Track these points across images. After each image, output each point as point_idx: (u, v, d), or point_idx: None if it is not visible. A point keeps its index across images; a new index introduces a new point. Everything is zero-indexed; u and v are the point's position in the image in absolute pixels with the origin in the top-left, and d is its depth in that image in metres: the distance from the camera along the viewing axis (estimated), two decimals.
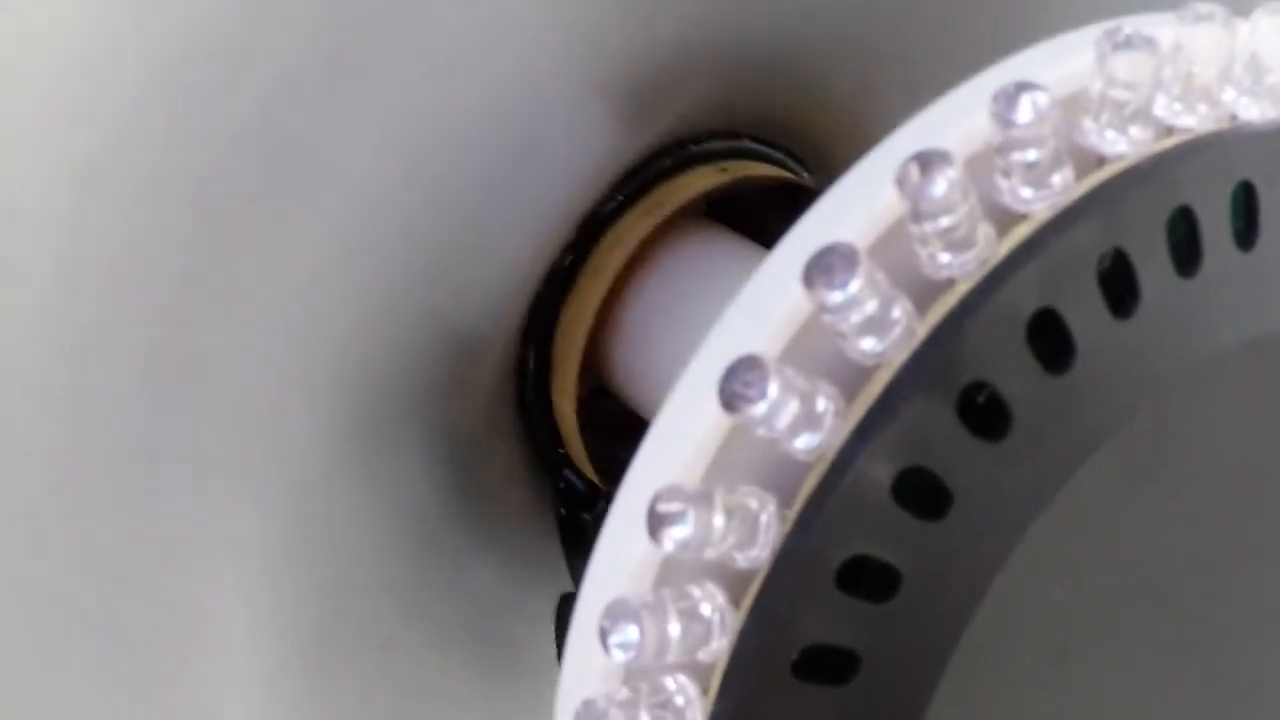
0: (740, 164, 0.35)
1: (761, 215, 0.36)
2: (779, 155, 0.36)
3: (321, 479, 0.32)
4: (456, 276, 0.32)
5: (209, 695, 0.32)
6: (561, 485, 0.36)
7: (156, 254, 0.27)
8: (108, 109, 0.25)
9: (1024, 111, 0.21)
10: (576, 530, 0.36)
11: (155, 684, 0.31)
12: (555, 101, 0.31)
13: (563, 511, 0.36)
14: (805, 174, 0.37)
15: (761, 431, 0.21)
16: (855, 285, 0.20)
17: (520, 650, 0.38)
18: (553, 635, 0.34)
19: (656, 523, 0.21)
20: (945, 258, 0.21)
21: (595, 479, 0.36)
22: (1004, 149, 0.22)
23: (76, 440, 0.28)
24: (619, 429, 0.36)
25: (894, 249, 0.22)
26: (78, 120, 0.25)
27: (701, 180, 0.34)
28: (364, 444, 0.32)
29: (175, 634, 0.31)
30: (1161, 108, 0.23)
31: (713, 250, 0.34)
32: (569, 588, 0.34)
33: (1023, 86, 0.21)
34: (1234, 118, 0.24)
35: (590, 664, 0.23)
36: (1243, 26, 0.24)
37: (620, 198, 0.33)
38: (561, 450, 0.36)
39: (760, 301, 0.22)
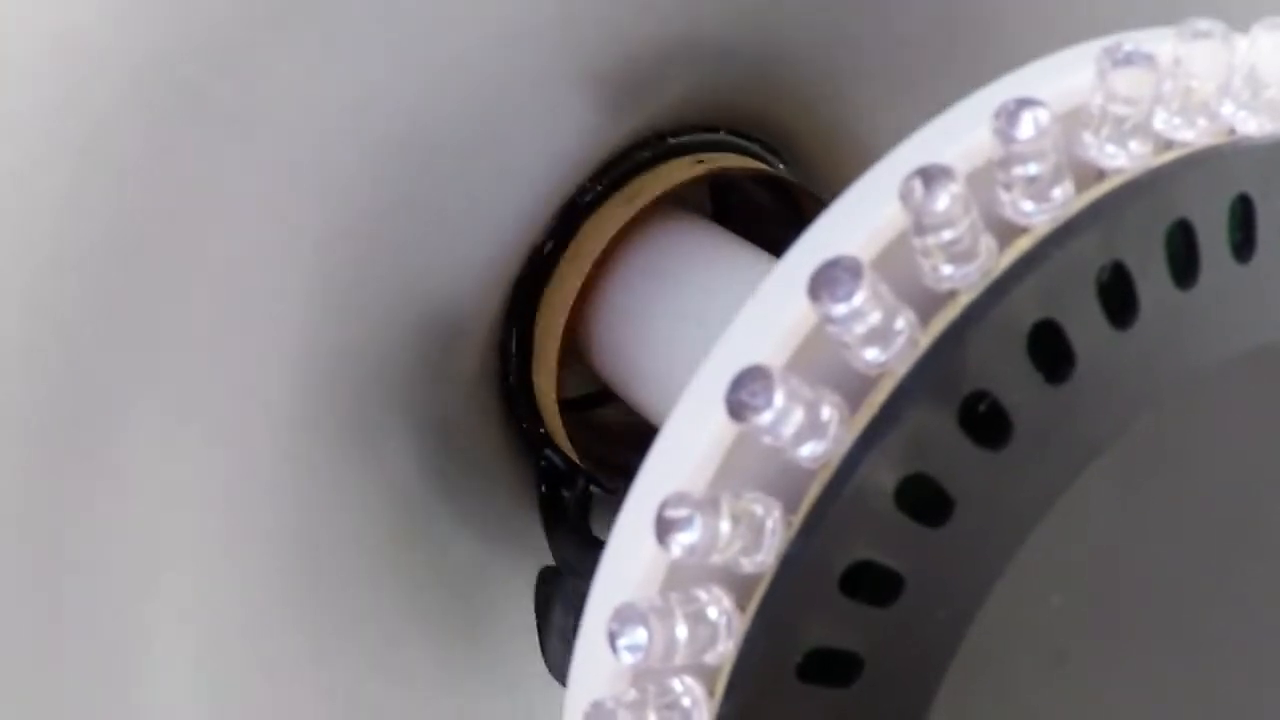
0: (716, 156, 0.36)
1: (743, 205, 0.37)
2: (755, 148, 0.37)
3: (304, 457, 0.32)
4: (438, 261, 0.32)
5: (184, 665, 0.33)
6: (543, 463, 0.37)
7: (145, 235, 0.28)
8: (99, 92, 0.26)
9: (1025, 127, 0.21)
10: (557, 507, 0.37)
11: (124, 657, 0.32)
12: (537, 93, 0.31)
13: (544, 489, 0.37)
14: (780, 166, 0.38)
15: (767, 439, 0.21)
16: (859, 297, 0.21)
17: (499, 622, 0.38)
18: (532, 608, 0.34)
19: (664, 528, 0.21)
20: (948, 270, 0.22)
21: (575, 458, 0.36)
22: (1005, 163, 0.22)
23: (63, 414, 0.29)
24: (599, 409, 0.37)
25: (897, 261, 0.22)
26: (73, 106, 0.26)
27: (679, 172, 0.35)
28: (347, 423, 0.33)
29: (144, 604, 0.31)
30: (1161, 122, 0.24)
31: (688, 238, 0.35)
32: (549, 563, 0.35)
33: (1024, 103, 0.21)
34: (1232, 132, 0.25)
35: (599, 666, 0.23)
36: (1241, 42, 0.24)
37: (599, 187, 0.34)
38: (542, 430, 0.37)
39: (766, 313, 0.23)
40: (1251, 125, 0.24)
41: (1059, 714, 0.24)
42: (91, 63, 0.25)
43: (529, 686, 0.38)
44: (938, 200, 0.21)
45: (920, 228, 0.21)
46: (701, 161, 0.35)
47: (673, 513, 0.21)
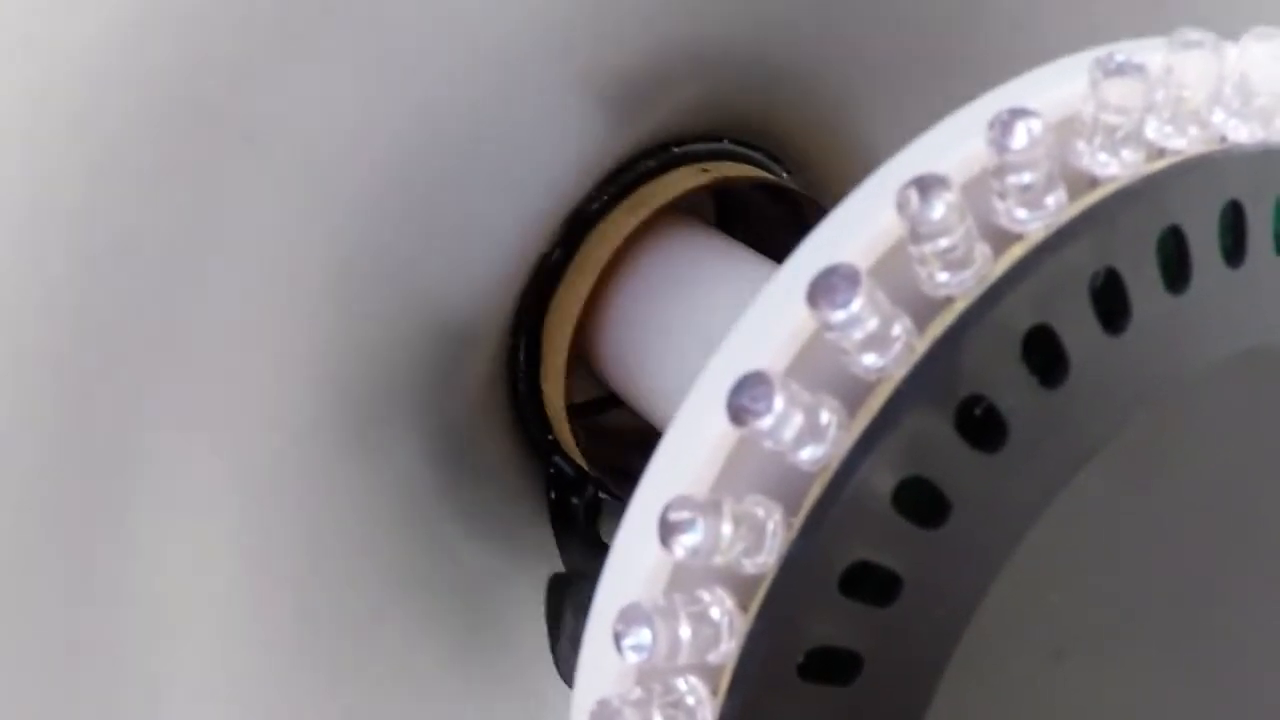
0: (721, 165, 0.36)
1: (748, 213, 0.37)
2: (759, 157, 0.38)
3: (315, 463, 0.33)
4: (447, 271, 0.33)
5: (193, 669, 0.33)
6: (552, 470, 0.37)
7: (156, 250, 0.28)
8: (112, 110, 0.26)
9: (1019, 137, 0.22)
10: (566, 513, 0.37)
11: (134, 661, 0.32)
12: (543, 103, 0.32)
13: (553, 495, 0.37)
14: (784, 175, 0.38)
15: (768, 443, 0.22)
16: (857, 304, 0.21)
17: (510, 629, 0.39)
18: (542, 615, 0.35)
19: (668, 530, 0.21)
20: (943, 277, 0.22)
21: (583, 464, 0.37)
22: (1000, 172, 0.22)
23: (80, 422, 0.29)
24: (606, 413, 0.37)
25: (894, 269, 0.23)
26: (84, 125, 0.26)
27: (683, 180, 0.35)
28: (358, 431, 0.33)
29: (161, 611, 0.32)
30: (1153, 130, 0.24)
31: (693, 246, 0.35)
32: (559, 569, 0.35)
33: (1017, 113, 0.22)
34: (1223, 139, 0.25)
35: (605, 665, 0.24)
36: (1231, 50, 0.24)
37: (606, 197, 0.35)
38: (551, 437, 0.37)
39: (766, 319, 0.23)
40: (1242, 133, 0.25)
41: (1057, 711, 0.24)
42: (102, 81, 0.26)
43: (540, 691, 0.38)
44: (933, 209, 0.21)
45: (916, 235, 0.22)
46: (706, 170, 0.36)
47: (676, 515, 0.21)
